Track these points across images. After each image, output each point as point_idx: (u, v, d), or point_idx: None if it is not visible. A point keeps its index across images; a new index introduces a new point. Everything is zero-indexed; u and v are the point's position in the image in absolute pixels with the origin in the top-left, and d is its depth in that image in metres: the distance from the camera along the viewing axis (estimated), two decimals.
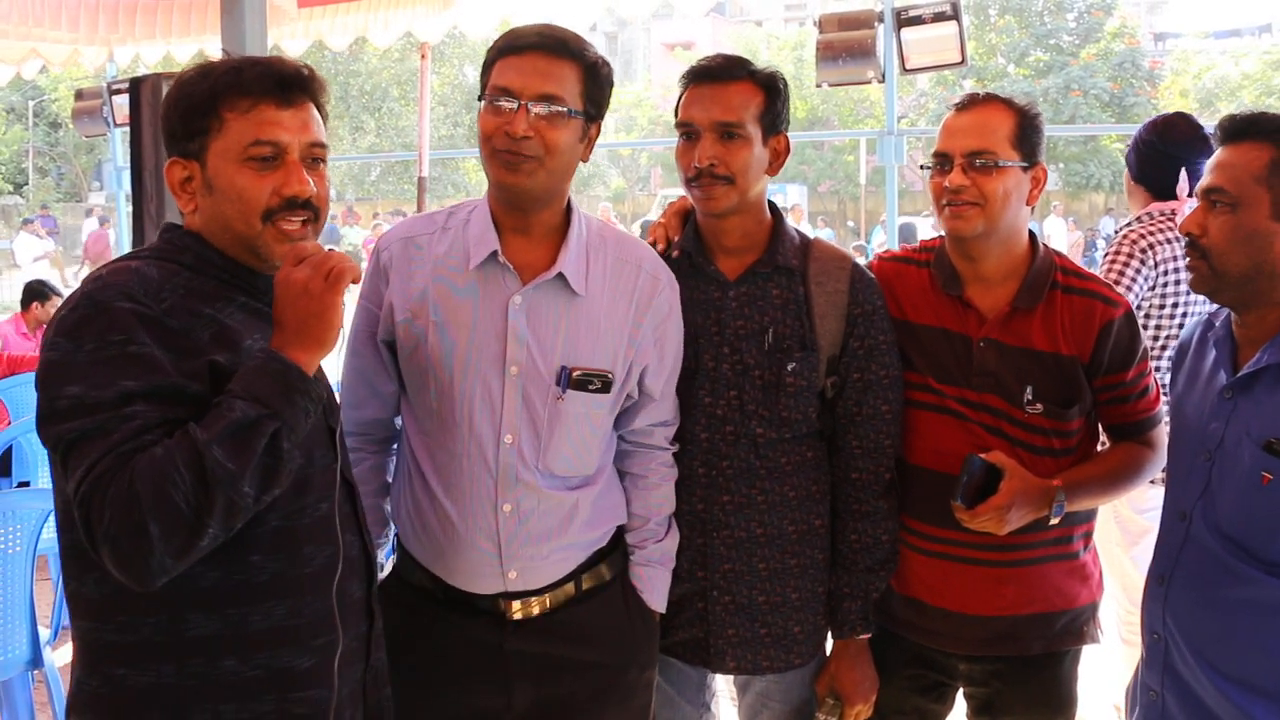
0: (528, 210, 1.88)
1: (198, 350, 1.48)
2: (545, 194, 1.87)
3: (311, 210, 1.60)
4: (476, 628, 1.94)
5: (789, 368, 2.04)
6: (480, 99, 1.86)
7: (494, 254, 1.87)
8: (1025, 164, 2.04)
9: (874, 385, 2.08)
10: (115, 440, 1.39)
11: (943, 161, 2.06)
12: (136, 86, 3.94)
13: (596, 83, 1.87)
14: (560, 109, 1.80)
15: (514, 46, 1.84)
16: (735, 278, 2.08)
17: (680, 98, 2.07)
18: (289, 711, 1.57)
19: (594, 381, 1.89)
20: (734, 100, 2.01)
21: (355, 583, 1.69)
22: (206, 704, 1.52)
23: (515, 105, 1.79)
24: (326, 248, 1.56)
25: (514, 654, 1.93)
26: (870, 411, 2.08)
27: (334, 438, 1.70)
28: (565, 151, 1.83)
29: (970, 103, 2.08)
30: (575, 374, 1.88)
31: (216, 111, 1.56)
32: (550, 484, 1.90)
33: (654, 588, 2.04)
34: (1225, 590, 1.68)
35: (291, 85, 1.59)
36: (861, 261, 2.25)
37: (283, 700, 1.57)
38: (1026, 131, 2.04)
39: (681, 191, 2.15)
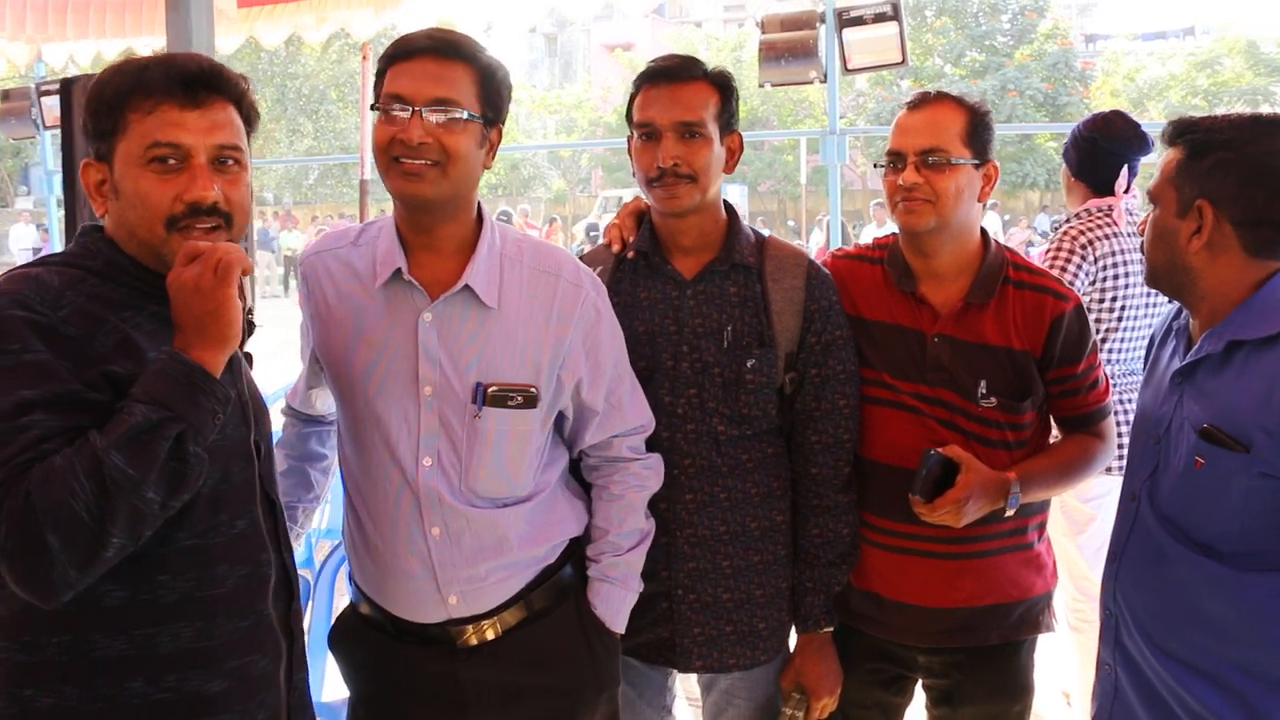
0: (432, 223, 1.81)
1: (96, 359, 1.43)
2: (448, 203, 1.79)
3: (219, 216, 1.53)
4: (428, 658, 1.89)
5: (748, 365, 2.03)
6: (374, 108, 1.79)
7: (398, 272, 1.81)
8: (977, 161, 2.07)
9: (831, 380, 2.09)
10: (11, 451, 1.35)
11: (896, 160, 2.09)
12: (68, 87, 3.84)
13: (493, 85, 1.80)
14: (456, 114, 1.73)
15: (405, 52, 1.76)
16: (693, 276, 2.08)
17: (634, 98, 2.06)
18: None
19: (514, 397, 1.81)
20: (694, 100, 2.01)
21: (271, 603, 1.64)
22: None
23: (409, 112, 1.72)
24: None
25: (467, 683, 1.88)
26: (829, 406, 2.09)
27: (258, 452, 1.64)
28: (466, 157, 1.76)
29: (922, 101, 2.10)
30: (491, 390, 1.80)
31: (122, 112, 1.51)
32: (478, 504, 1.84)
33: (610, 606, 1.96)
34: (1164, 569, 1.75)
35: (197, 84, 1.52)
36: None
37: None
38: (977, 129, 2.07)
39: (623, 193, 2.13)
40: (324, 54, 28.27)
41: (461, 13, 6.63)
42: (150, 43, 6.10)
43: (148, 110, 1.50)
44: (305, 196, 34.01)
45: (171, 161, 1.51)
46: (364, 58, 5.93)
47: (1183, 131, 1.74)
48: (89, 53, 6.86)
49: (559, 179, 37.30)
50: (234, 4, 5.75)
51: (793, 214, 29.19)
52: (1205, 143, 1.70)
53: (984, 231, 2.17)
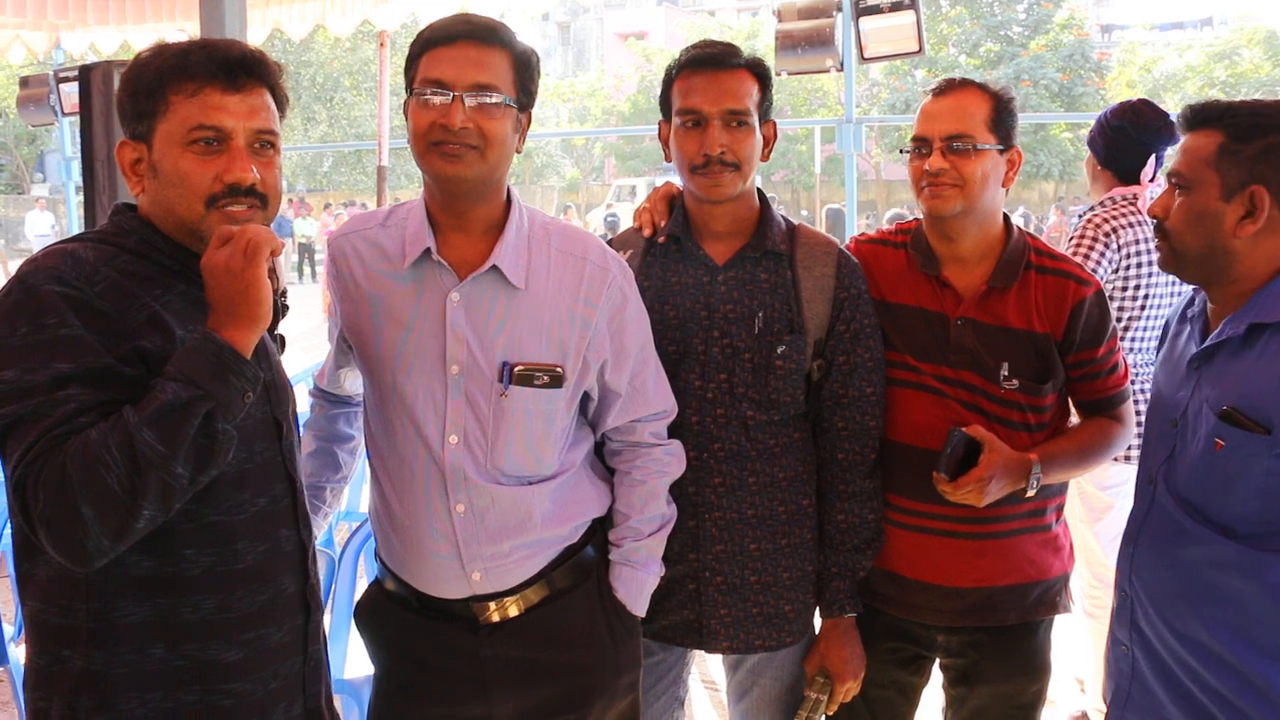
0: (466, 205, 1.84)
1: (128, 334, 1.47)
2: (483, 185, 1.82)
3: (257, 197, 1.58)
4: (451, 634, 1.92)
5: (779, 351, 2.05)
6: (409, 93, 1.81)
7: (428, 251, 1.84)
8: (1001, 147, 2.09)
9: (859, 368, 2.10)
10: (49, 424, 1.39)
11: (922, 145, 2.11)
12: (87, 74, 3.87)
13: (527, 71, 1.83)
14: (495, 98, 1.77)
15: (444, 38, 1.79)
16: (724, 262, 2.09)
17: (672, 84, 2.08)
18: (214, 704, 1.58)
19: (540, 376, 1.84)
20: (739, 88, 2.02)
21: (289, 577, 1.68)
22: (134, 691, 1.53)
23: (450, 97, 1.75)
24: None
25: (489, 660, 1.91)
26: (856, 394, 2.11)
27: (280, 431, 1.68)
28: (503, 141, 1.79)
29: (947, 88, 2.12)
30: (518, 369, 1.83)
31: (164, 94, 1.55)
32: (503, 482, 1.86)
33: (630, 589, 1.98)
34: (1181, 551, 1.77)
35: (238, 69, 1.57)
36: None
37: (208, 692, 1.57)
38: (1001, 115, 2.09)
39: (636, 181, 2.14)
40: (337, 42, 28.28)
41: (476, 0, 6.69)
42: (172, 30, 6.13)
43: (190, 93, 1.54)
44: (319, 184, 34.08)
45: (213, 143, 1.55)
46: (381, 45, 5.96)
47: (1220, 115, 1.73)
48: (109, 40, 6.90)
49: (572, 167, 37.29)
50: None
51: (806, 203, 29.16)
52: (1251, 126, 1.70)
53: (1006, 217, 2.19)
